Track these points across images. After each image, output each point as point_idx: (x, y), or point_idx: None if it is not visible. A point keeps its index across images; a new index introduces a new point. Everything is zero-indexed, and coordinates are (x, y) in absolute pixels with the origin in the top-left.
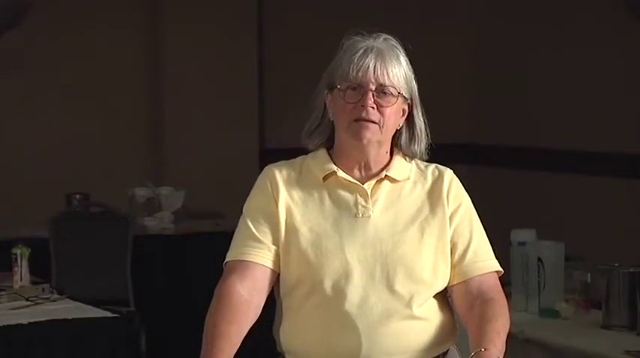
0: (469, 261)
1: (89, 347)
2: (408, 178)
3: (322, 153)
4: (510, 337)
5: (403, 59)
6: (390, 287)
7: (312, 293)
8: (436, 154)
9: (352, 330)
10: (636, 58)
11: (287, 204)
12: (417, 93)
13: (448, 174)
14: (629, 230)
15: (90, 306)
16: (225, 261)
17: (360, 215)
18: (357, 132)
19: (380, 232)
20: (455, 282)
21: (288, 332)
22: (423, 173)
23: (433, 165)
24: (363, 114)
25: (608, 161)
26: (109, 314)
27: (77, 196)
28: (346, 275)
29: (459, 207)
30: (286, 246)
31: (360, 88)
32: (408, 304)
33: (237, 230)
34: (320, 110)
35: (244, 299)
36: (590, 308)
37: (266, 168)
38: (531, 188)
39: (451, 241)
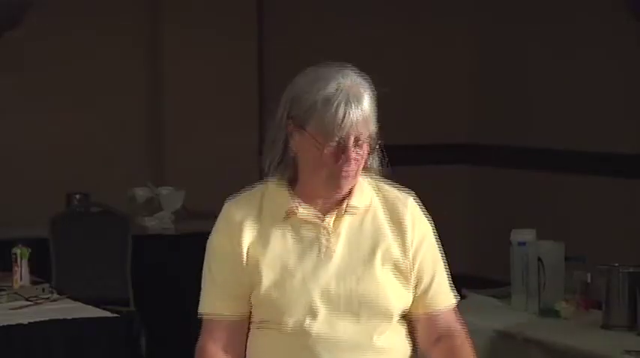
0: (433, 295)
1: (89, 347)
2: (370, 205)
3: (283, 188)
4: (510, 337)
5: (369, 92)
6: (355, 322)
7: (278, 329)
8: (436, 154)
9: None
10: (636, 58)
11: (249, 244)
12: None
13: (410, 202)
14: (629, 230)
15: (90, 306)
16: (200, 313)
17: (324, 253)
18: (336, 186)
19: (343, 268)
20: (419, 312)
21: (250, 354)
22: (384, 199)
23: (395, 190)
24: (345, 170)
25: (608, 161)
26: (109, 314)
27: (77, 196)
28: (311, 313)
29: (422, 240)
30: (251, 286)
31: (341, 142)
32: (371, 336)
33: (204, 276)
34: (282, 141)
35: None
36: (590, 308)
37: (226, 205)
38: (531, 188)
39: (416, 274)
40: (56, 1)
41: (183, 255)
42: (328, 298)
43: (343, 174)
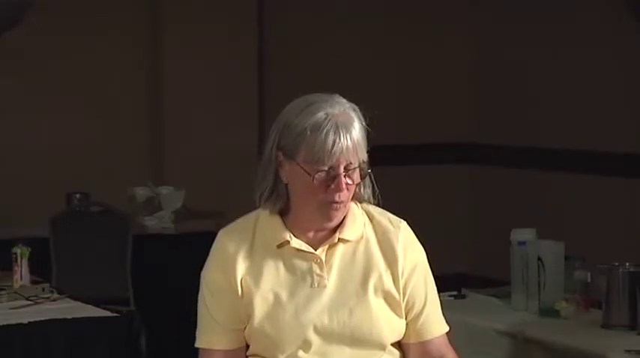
0: (424, 322)
1: (89, 346)
2: (362, 237)
3: (276, 219)
4: (510, 337)
5: (358, 119)
6: (348, 353)
7: None
8: (436, 154)
9: None
10: (636, 58)
11: (243, 276)
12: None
13: (402, 230)
14: (629, 230)
15: (90, 306)
16: (196, 345)
17: (316, 285)
18: (327, 215)
19: (335, 300)
20: (410, 341)
21: None
22: (376, 228)
23: (386, 218)
24: (336, 198)
25: (608, 161)
26: (109, 313)
27: (77, 195)
28: (304, 346)
29: (414, 269)
30: (245, 318)
31: (331, 171)
32: None
33: (200, 309)
34: (272, 172)
35: None
36: (590, 307)
37: (219, 236)
38: (531, 188)
39: (407, 302)
40: (56, 1)
41: (183, 255)
42: (321, 331)
43: (334, 204)
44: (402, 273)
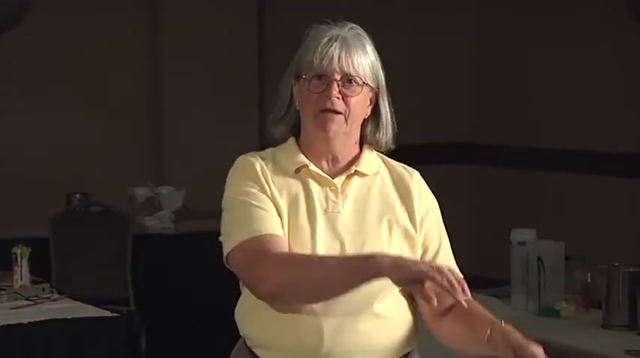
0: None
1: (89, 346)
2: (378, 172)
3: (291, 143)
4: None
5: (369, 48)
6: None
7: None
8: (436, 154)
9: (316, 329)
10: (636, 58)
11: (268, 193)
12: (383, 83)
13: (417, 175)
14: (629, 230)
15: (90, 306)
16: (240, 241)
17: (330, 210)
18: (322, 124)
19: (349, 228)
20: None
21: (249, 321)
22: (391, 170)
23: (401, 165)
24: (328, 105)
25: (608, 161)
26: (109, 313)
27: (77, 196)
28: None
29: (428, 210)
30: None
31: (325, 78)
32: (372, 302)
33: (234, 215)
34: (286, 98)
35: None
36: (590, 307)
37: (241, 158)
38: (531, 188)
39: (422, 245)
40: (56, 1)
41: (183, 255)
42: None
43: (327, 112)
44: (418, 213)
